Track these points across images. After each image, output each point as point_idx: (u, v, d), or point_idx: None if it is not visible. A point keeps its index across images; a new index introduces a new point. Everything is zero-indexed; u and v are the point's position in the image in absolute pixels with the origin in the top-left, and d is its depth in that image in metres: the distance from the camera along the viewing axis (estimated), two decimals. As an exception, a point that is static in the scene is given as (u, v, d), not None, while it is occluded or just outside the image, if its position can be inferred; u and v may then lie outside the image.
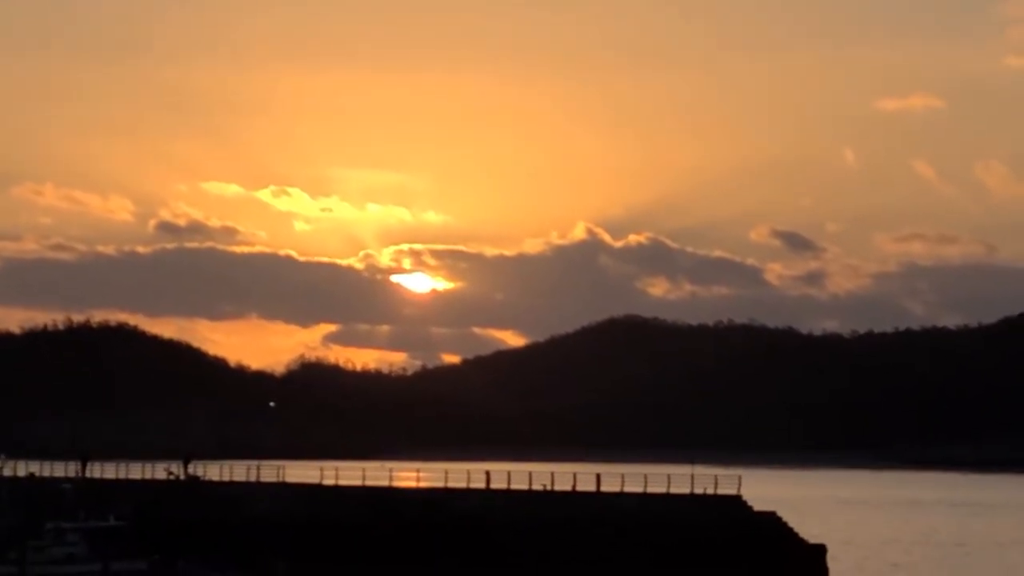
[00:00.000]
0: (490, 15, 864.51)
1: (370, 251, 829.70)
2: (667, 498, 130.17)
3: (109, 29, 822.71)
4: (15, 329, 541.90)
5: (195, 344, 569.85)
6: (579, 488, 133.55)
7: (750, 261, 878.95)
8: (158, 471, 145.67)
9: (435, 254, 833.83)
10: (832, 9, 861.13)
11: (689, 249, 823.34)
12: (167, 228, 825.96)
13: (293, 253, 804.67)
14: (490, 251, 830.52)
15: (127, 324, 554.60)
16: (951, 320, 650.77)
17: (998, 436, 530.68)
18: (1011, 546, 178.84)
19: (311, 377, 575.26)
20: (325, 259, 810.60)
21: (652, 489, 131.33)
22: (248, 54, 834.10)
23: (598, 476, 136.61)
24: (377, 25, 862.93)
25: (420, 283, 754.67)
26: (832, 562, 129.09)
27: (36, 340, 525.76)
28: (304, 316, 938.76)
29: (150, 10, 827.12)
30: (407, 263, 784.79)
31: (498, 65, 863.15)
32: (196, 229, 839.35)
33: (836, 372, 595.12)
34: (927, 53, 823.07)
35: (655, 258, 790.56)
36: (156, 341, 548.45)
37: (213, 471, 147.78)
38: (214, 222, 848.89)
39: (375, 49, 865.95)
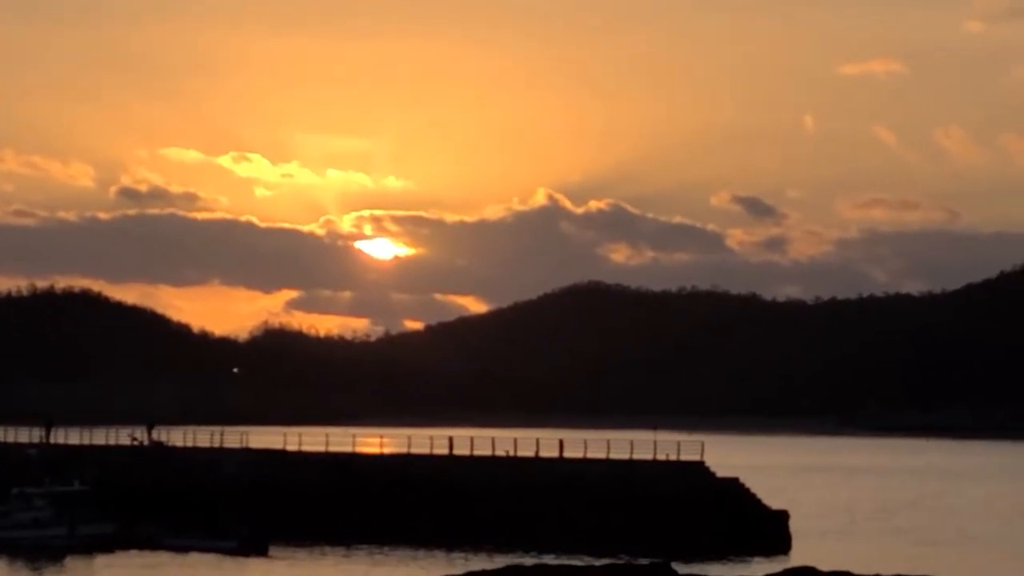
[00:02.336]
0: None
1: (331, 217, 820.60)
2: (631, 464, 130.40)
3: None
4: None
5: (158, 310, 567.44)
6: (542, 454, 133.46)
7: (711, 227, 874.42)
8: (122, 437, 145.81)
9: (396, 220, 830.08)
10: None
11: (650, 215, 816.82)
12: (128, 194, 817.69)
13: (254, 219, 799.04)
14: (451, 217, 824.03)
15: (90, 290, 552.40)
16: (913, 287, 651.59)
17: (961, 402, 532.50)
18: (969, 509, 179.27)
19: (274, 343, 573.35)
20: (286, 225, 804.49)
21: (615, 455, 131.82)
22: (209, 18, 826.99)
23: (561, 442, 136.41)
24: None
25: (382, 249, 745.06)
26: (794, 527, 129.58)
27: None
28: (266, 282, 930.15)
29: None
30: (368, 229, 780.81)
31: (459, 30, 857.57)
32: (157, 195, 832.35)
33: (799, 338, 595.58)
34: (889, 18, 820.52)
35: (616, 224, 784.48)
36: (119, 307, 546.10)
37: (177, 437, 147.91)
38: (175, 188, 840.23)
39: (336, 14, 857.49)
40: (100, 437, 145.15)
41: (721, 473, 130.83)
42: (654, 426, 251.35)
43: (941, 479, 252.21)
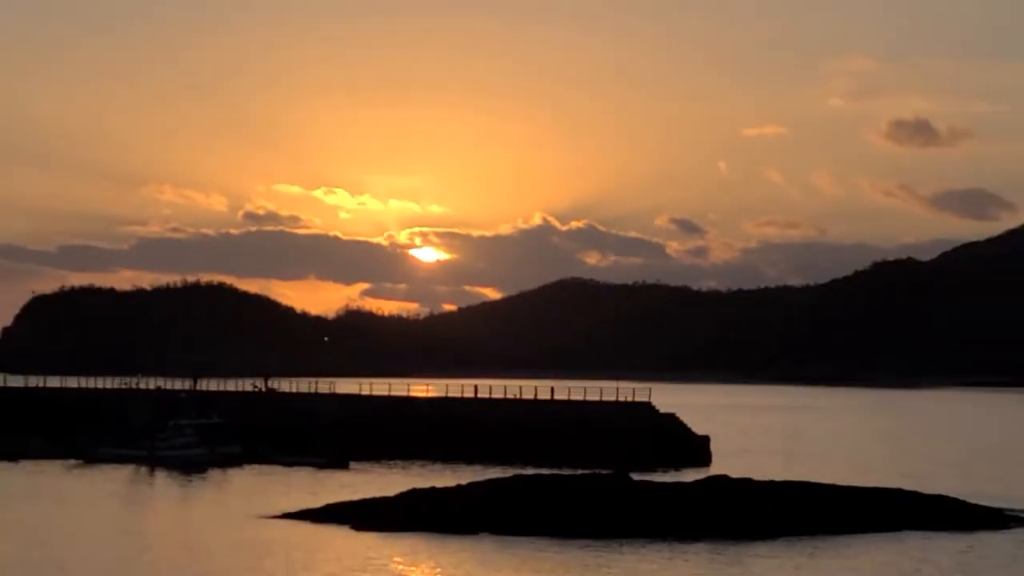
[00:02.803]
0: (473, 67, 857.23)
1: (392, 232, 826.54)
2: (600, 404, 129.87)
3: (211, 68, 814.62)
4: (147, 286, 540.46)
5: (272, 297, 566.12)
6: (539, 397, 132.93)
7: (655, 240, 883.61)
8: (246, 385, 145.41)
9: (437, 234, 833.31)
10: (713, 60, 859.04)
11: (613, 231, 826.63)
12: (251, 216, 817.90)
13: (339, 234, 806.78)
14: (475, 232, 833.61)
15: (224, 283, 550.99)
16: (795, 281, 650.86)
17: (828, 360, 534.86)
18: (830, 436, 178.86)
19: (352, 320, 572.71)
20: (360, 238, 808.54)
21: (591, 398, 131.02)
22: (309, 91, 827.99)
23: (552, 389, 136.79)
24: (394, 73, 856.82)
25: (427, 255, 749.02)
26: (714, 448, 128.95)
27: (161, 294, 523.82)
28: (347, 277, 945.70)
29: (243, 50, 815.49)
30: (417, 241, 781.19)
31: (478, 103, 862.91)
32: (271, 217, 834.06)
33: (717, 316, 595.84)
34: (778, 96, 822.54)
35: (589, 238, 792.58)
36: (244, 295, 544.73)
37: (284, 385, 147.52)
38: (284, 212, 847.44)
39: (396, 92, 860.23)
40: (231, 385, 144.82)
41: (663, 410, 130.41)
42: (617, 378, 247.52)
43: (814, 415, 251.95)
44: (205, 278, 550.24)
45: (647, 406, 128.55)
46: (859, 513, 75.41)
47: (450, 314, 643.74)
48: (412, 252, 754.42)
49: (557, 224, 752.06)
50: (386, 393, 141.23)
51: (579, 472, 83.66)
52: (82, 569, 57.89)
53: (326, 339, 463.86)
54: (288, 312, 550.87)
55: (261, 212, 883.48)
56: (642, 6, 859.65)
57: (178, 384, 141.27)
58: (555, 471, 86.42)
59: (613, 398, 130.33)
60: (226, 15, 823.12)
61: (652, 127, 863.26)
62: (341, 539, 68.45)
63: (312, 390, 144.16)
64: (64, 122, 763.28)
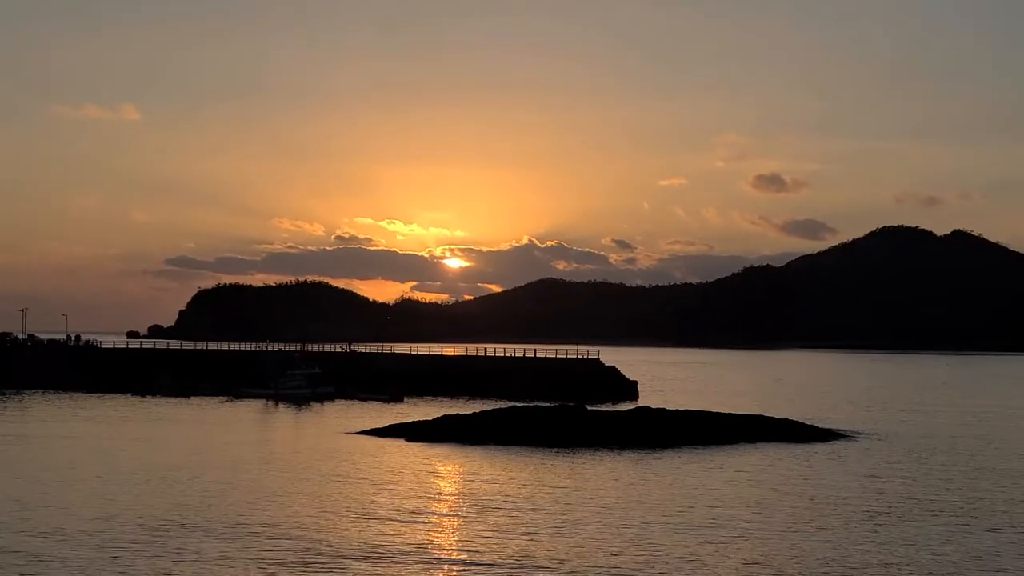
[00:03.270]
0: (481, 138, 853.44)
1: (431, 248, 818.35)
2: (564, 359, 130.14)
3: (315, 138, 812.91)
4: (273, 284, 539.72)
5: (354, 291, 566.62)
6: (526, 355, 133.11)
7: (602, 253, 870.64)
8: (337, 348, 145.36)
9: (461, 250, 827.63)
10: (640, 134, 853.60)
11: (573, 248, 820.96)
12: (340, 238, 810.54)
13: (397, 250, 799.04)
14: (485, 248, 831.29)
15: (324, 282, 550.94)
16: (693, 279, 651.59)
17: (717, 331, 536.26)
18: (722, 380, 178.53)
19: (406, 306, 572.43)
20: (411, 252, 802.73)
21: (559, 356, 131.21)
22: (379, 155, 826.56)
23: (535, 350, 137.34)
24: (432, 145, 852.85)
25: (454, 263, 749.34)
26: (641, 389, 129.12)
27: (281, 290, 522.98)
28: (402, 278, 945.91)
29: (337, 126, 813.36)
30: (448, 254, 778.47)
31: (485, 163, 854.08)
32: (352, 239, 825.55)
33: (644, 305, 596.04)
34: (681, 158, 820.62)
35: (559, 252, 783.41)
36: (337, 290, 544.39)
37: (361, 348, 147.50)
38: (361, 235, 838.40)
39: (431, 157, 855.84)
40: (328, 348, 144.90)
41: (607, 363, 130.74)
42: (576, 343, 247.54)
43: (706, 368, 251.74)
44: (311, 278, 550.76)
45: (597, 362, 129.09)
46: (734, 430, 75.74)
47: (468, 302, 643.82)
48: (444, 261, 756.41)
49: (537, 243, 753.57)
50: (427, 353, 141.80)
51: (552, 404, 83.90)
52: (223, 465, 58.10)
53: (388, 318, 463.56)
54: (364, 301, 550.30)
55: (347, 235, 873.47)
56: (592, 97, 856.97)
57: (293, 347, 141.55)
58: (536, 404, 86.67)
59: (575, 356, 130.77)
60: (326, 106, 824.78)
61: (600, 179, 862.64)
62: (398, 447, 68.63)
63: (379, 351, 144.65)
64: (219, 175, 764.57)
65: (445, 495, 48.78)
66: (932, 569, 34.79)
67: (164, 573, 33.10)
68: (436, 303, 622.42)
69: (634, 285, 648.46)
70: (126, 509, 43.86)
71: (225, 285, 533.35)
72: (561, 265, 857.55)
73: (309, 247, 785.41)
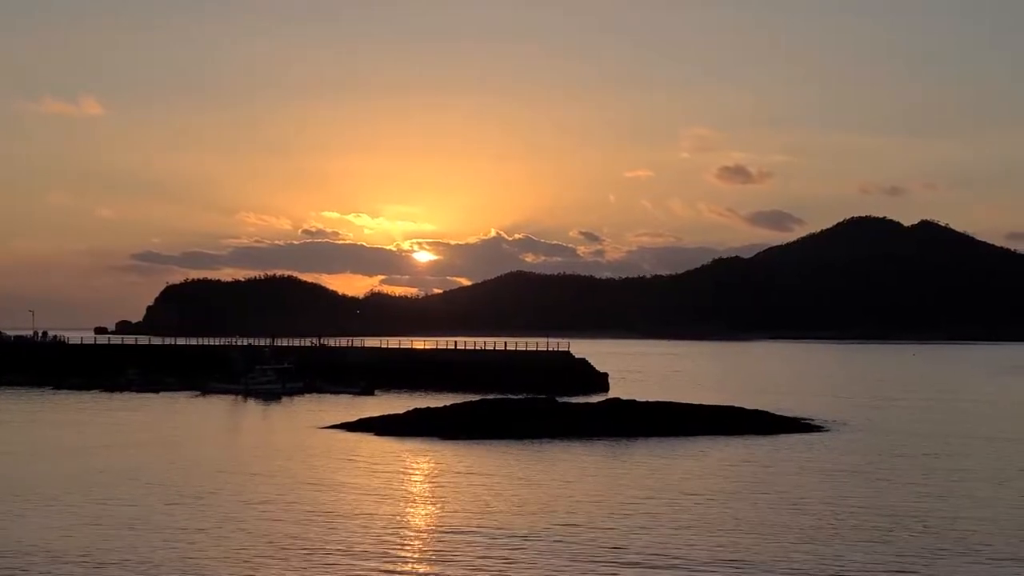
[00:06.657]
0: (449, 134, 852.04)
1: (399, 243, 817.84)
2: (536, 352, 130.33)
3: (281, 135, 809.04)
4: (240, 279, 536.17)
5: (322, 284, 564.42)
6: (496, 348, 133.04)
7: (570, 245, 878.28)
8: (306, 342, 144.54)
9: (429, 243, 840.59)
10: (606, 127, 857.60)
11: (541, 240, 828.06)
12: (307, 232, 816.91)
13: (364, 244, 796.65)
14: (453, 242, 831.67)
15: (293, 276, 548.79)
16: (662, 272, 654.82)
17: (687, 322, 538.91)
18: (691, 371, 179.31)
19: (375, 300, 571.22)
20: (378, 246, 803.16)
21: (531, 348, 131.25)
22: (346, 149, 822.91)
23: (505, 343, 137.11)
24: (399, 138, 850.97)
25: (422, 256, 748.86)
26: (612, 381, 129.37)
27: (249, 285, 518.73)
28: (370, 271, 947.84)
29: (303, 121, 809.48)
30: (415, 247, 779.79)
31: (452, 157, 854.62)
32: (319, 233, 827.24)
33: (610, 296, 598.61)
34: (647, 150, 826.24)
35: (527, 244, 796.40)
36: (305, 283, 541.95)
37: (331, 342, 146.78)
38: (328, 229, 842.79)
39: (398, 150, 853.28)
40: (296, 342, 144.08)
41: (577, 355, 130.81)
42: (547, 335, 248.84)
43: (675, 359, 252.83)
44: (279, 273, 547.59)
45: (567, 354, 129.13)
46: (704, 422, 75.99)
47: (437, 296, 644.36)
48: (412, 255, 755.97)
49: (505, 235, 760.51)
50: (396, 346, 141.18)
51: (523, 396, 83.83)
52: (195, 456, 57.56)
53: (358, 312, 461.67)
54: (333, 295, 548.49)
55: (314, 229, 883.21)
56: (557, 90, 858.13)
57: (262, 342, 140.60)
58: (507, 396, 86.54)
59: (545, 348, 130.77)
60: (289, 100, 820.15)
61: (567, 172, 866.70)
62: (368, 441, 68.26)
63: (349, 344, 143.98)
64: (183, 169, 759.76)
65: (413, 492, 48.51)
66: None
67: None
68: (405, 297, 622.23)
69: (603, 277, 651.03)
70: None
71: (193, 280, 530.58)
72: (530, 258, 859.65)
73: (276, 241, 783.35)
